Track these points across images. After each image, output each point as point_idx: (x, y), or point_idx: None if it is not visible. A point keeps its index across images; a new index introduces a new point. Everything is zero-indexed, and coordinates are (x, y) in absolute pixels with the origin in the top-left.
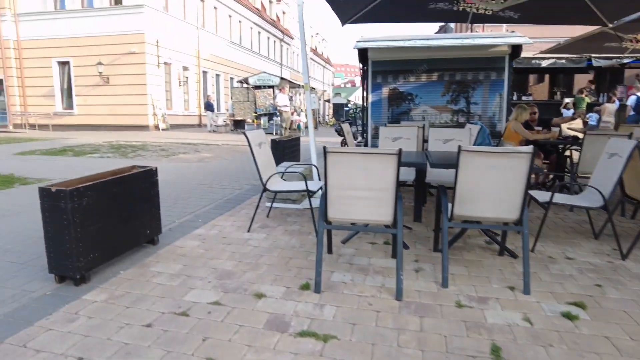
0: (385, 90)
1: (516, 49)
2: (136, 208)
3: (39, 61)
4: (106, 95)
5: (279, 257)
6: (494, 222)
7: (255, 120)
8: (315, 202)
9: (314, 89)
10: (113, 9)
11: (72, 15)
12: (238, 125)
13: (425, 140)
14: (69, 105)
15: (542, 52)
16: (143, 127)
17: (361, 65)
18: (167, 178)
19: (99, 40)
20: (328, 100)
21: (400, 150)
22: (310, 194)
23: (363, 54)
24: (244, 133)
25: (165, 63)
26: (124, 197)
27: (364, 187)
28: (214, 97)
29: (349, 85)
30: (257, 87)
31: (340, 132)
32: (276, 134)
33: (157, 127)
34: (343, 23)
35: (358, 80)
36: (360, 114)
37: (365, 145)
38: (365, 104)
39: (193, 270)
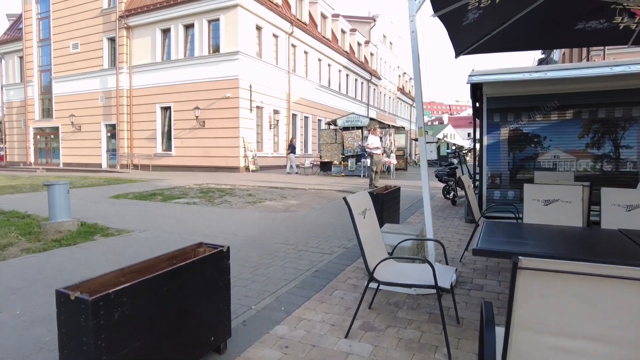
0: (504, 132)
1: None
2: (198, 308)
3: (145, 107)
4: (201, 138)
5: None
6: None
7: (342, 162)
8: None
9: (403, 128)
10: (211, 57)
11: (175, 65)
12: (325, 167)
13: (592, 203)
14: (168, 147)
15: None
16: (234, 169)
17: (472, 102)
18: (251, 232)
19: (197, 86)
20: (416, 139)
21: None
22: (441, 292)
23: (476, 89)
24: (344, 199)
25: (257, 107)
26: (181, 295)
27: (596, 336)
28: (297, 139)
29: (436, 122)
30: (345, 129)
31: (443, 179)
32: (364, 176)
33: (247, 169)
34: (457, 54)
35: (446, 118)
36: (464, 157)
37: (480, 197)
38: (477, 147)
39: None
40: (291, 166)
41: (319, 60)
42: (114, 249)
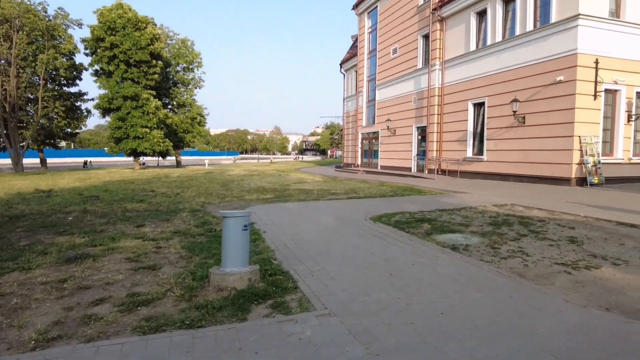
0: None
1: None
2: None
3: (455, 105)
4: (519, 139)
5: None
6: None
7: None
8: None
9: None
10: (536, 32)
11: (491, 51)
12: None
13: None
14: (479, 151)
15: None
16: (563, 181)
17: None
18: None
19: (516, 73)
20: None
21: None
22: None
23: None
24: None
25: (607, 90)
26: None
27: None
28: None
29: None
30: None
31: None
32: None
33: (583, 181)
34: None
35: None
36: None
37: None
38: None
39: None
40: None
41: None
42: None
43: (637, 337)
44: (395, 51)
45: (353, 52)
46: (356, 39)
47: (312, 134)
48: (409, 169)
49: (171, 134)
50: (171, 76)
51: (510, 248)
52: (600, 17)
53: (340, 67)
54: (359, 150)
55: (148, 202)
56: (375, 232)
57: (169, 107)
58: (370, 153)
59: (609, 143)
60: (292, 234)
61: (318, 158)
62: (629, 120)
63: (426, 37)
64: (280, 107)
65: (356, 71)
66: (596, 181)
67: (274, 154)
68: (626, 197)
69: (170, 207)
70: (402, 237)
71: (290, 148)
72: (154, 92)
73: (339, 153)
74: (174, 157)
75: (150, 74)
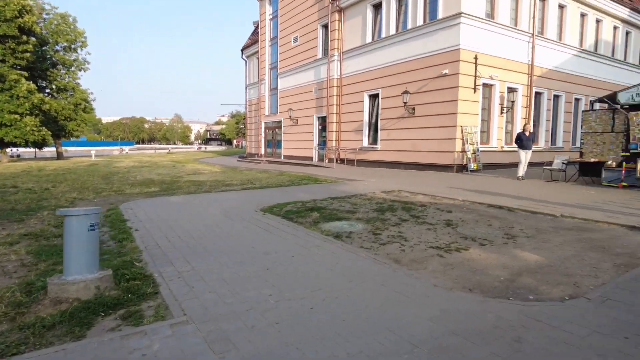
0: None
1: None
2: None
3: (353, 96)
4: (409, 129)
5: None
6: None
7: (624, 163)
8: None
9: None
10: (426, 27)
11: (385, 44)
12: (589, 170)
13: None
14: (374, 141)
15: None
16: (447, 168)
17: None
18: None
19: (408, 66)
20: None
21: None
22: None
23: None
24: None
25: (484, 85)
26: None
27: None
28: (541, 127)
29: None
30: (636, 107)
31: None
32: None
33: (465, 168)
34: None
35: None
36: None
37: None
38: None
39: None
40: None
41: (582, 15)
42: None
43: (491, 315)
44: (296, 40)
45: (255, 38)
46: (257, 25)
47: (217, 123)
48: (311, 159)
49: (50, 121)
50: (49, 56)
51: (390, 233)
52: (479, 17)
53: (242, 53)
54: (262, 140)
55: (3, 200)
56: (262, 224)
57: (47, 91)
58: (273, 143)
59: (485, 133)
60: (169, 230)
61: (223, 148)
62: (501, 113)
63: (326, 27)
64: (182, 95)
65: (258, 58)
66: (475, 167)
67: (174, 143)
68: (498, 181)
69: (31, 205)
70: (288, 227)
71: (193, 137)
72: (26, 73)
73: (245, 143)
74: (54, 148)
75: (20, 52)
